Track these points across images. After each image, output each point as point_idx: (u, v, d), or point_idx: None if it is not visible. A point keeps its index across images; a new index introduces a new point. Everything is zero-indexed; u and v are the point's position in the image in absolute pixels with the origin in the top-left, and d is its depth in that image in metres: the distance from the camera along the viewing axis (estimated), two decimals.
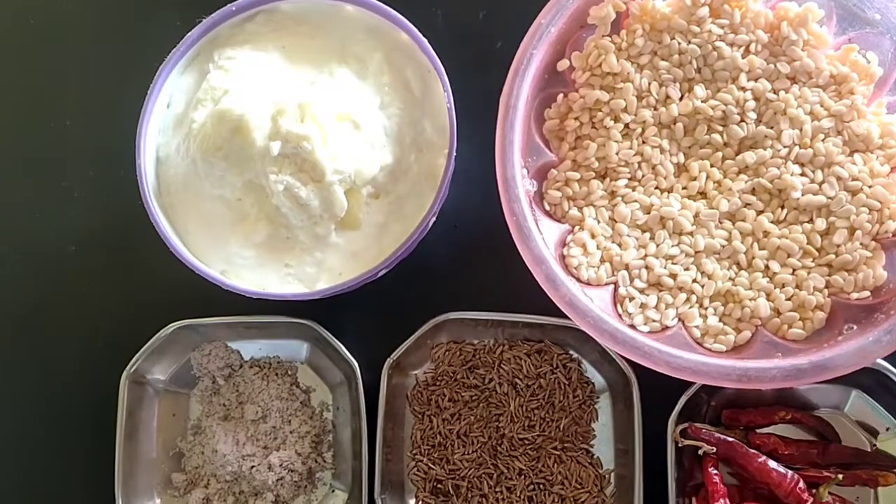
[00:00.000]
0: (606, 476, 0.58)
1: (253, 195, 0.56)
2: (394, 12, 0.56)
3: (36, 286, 0.67)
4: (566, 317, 0.50)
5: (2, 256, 0.68)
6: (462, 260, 0.63)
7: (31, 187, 0.69)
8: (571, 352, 0.60)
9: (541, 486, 0.58)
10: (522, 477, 0.59)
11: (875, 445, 0.57)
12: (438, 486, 0.59)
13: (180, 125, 0.58)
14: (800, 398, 0.57)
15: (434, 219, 0.55)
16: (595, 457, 0.59)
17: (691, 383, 0.55)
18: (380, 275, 0.55)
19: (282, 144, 0.53)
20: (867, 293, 0.51)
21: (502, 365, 0.60)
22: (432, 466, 0.59)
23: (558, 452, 0.59)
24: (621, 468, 0.58)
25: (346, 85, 0.56)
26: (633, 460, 0.55)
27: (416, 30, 0.56)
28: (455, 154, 0.55)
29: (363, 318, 0.63)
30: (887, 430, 0.56)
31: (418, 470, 0.60)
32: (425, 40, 0.56)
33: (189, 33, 0.58)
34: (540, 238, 0.51)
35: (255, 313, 0.60)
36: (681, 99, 0.55)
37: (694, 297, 0.53)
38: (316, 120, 0.53)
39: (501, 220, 0.51)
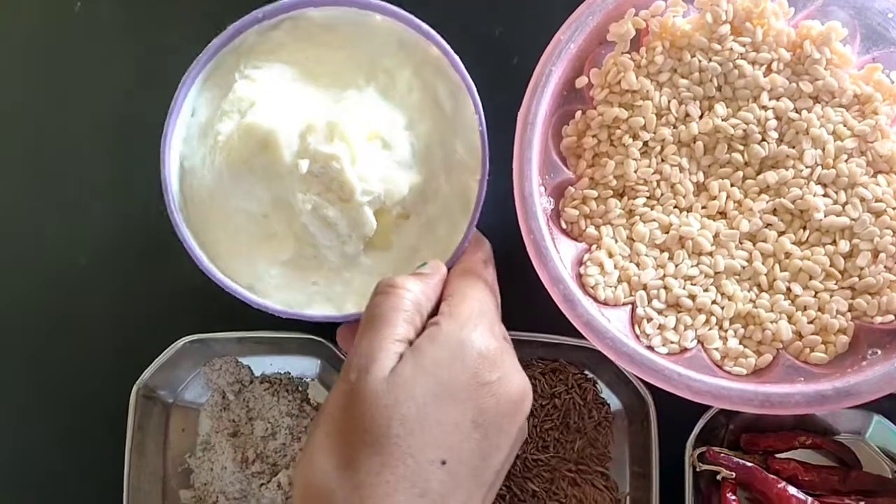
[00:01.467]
0: (622, 500, 0.57)
1: (280, 212, 0.55)
2: (425, 25, 0.55)
3: (46, 298, 0.67)
4: (582, 336, 0.49)
5: (13, 267, 0.67)
6: None
7: (45, 197, 0.68)
8: (587, 372, 0.59)
9: None
10: (536, 499, 0.58)
11: None
12: None
13: (205, 136, 0.57)
14: (820, 423, 0.56)
15: (467, 244, 0.54)
16: (611, 479, 0.58)
17: (710, 406, 0.54)
18: None
19: (310, 163, 0.52)
20: (891, 317, 0.50)
21: None
22: None
23: (573, 474, 0.58)
24: (636, 491, 0.57)
25: (374, 102, 0.55)
26: (651, 484, 0.54)
27: (446, 44, 0.55)
28: (488, 177, 0.54)
29: None
30: None
31: None
32: (456, 56, 0.54)
33: (213, 41, 0.56)
34: (557, 257, 0.50)
35: (268, 329, 0.59)
36: (701, 117, 0.55)
37: (714, 319, 0.52)
38: (345, 139, 0.52)
39: (518, 238, 0.51)
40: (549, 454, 0.58)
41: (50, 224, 0.68)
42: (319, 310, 0.54)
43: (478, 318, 0.44)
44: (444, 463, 0.39)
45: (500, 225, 0.56)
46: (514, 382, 0.43)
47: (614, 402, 0.59)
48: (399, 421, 0.39)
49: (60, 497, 0.64)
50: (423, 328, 0.44)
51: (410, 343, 0.43)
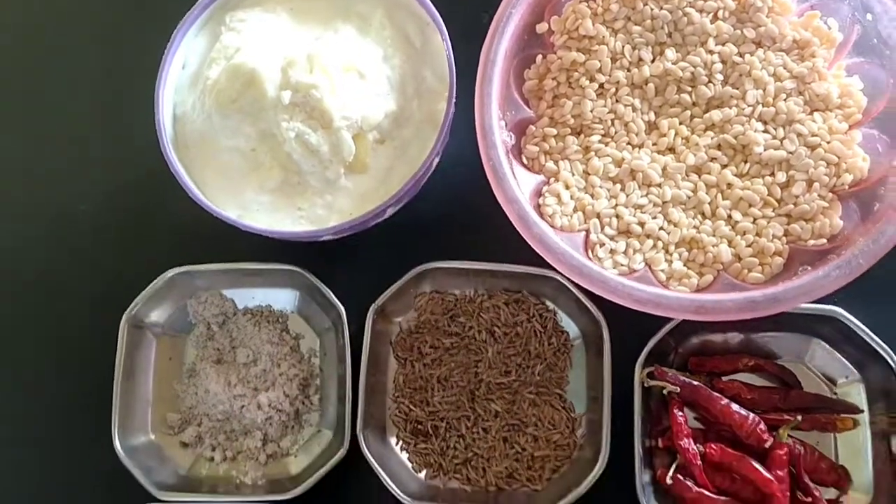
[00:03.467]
0: (578, 419, 0.61)
1: (266, 144, 0.59)
2: None
3: (47, 238, 0.71)
4: (543, 266, 0.53)
5: (13, 212, 0.72)
6: (448, 217, 0.66)
7: (44, 147, 0.73)
8: (547, 302, 0.63)
9: (515, 426, 0.61)
10: (498, 419, 0.61)
11: (836, 393, 0.59)
12: (418, 426, 0.62)
13: (195, 84, 0.62)
14: (763, 348, 0.60)
15: (437, 159, 0.58)
16: (568, 402, 0.62)
17: (659, 329, 0.58)
18: (387, 214, 0.58)
19: (292, 94, 0.56)
20: (823, 240, 0.54)
21: (481, 314, 0.63)
22: (413, 408, 0.62)
23: (533, 396, 0.61)
24: (592, 413, 0.61)
25: (350, 39, 0.60)
26: (602, 402, 0.58)
27: None
28: (455, 98, 0.58)
29: (353, 269, 0.66)
30: (846, 378, 0.59)
31: (399, 411, 0.63)
32: None
33: None
34: (514, 182, 0.54)
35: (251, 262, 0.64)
36: (652, 61, 0.59)
37: (660, 244, 0.56)
38: (324, 70, 0.57)
39: (485, 177, 0.55)
40: (512, 378, 0.62)
41: (51, 165, 0.72)
42: (303, 230, 0.58)
43: None
44: None
45: (468, 170, 0.60)
46: None
47: (573, 331, 0.63)
48: None
49: (53, 420, 0.67)
50: None
51: None
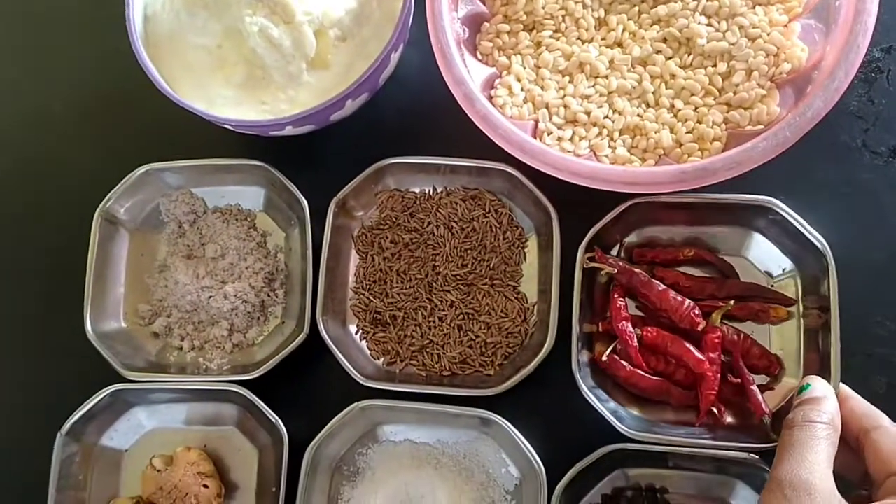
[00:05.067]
0: (530, 308, 0.63)
1: (231, 40, 0.62)
2: None
3: (24, 139, 0.74)
4: (498, 160, 0.55)
5: None
6: (408, 119, 0.69)
7: (16, 49, 0.76)
8: (503, 198, 0.65)
9: (469, 315, 0.64)
10: (454, 308, 0.64)
11: (772, 286, 0.61)
12: (377, 316, 0.65)
13: None
14: (704, 244, 0.62)
15: (396, 54, 0.61)
16: (521, 293, 0.64)
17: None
18: (346, 106, 0.60)
19: None
20: (761, 126, 0.56)
21: (440, 210, 0.66)
22: (372, 299, 0.65)
23: (487, 287, 0.64)
24: (542, 303, 0.63)
25: None
26: (551, 291, 0.60)
27: None
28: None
29: (316, 168, 0.69)
30: (783, 270, 0.61)
31: (360, 302, 0.65)
32: None
33: None
34: (464, 68, 0.57)
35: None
36: None
37: (605, 131, 0.58)
38: None
39: (444, 82, 0.57)
40: (468, 270, 0.64)
41: (25, 66, 0.75)
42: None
43: None
44: None
45: (431, 74, 0.62)
46: None
47: (528, 226, 0.65)
48: None
49: (28, 305, 0.70)
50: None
51: None
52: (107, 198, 0.66)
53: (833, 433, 0.48)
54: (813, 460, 0.46)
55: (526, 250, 0.65)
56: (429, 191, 0.67)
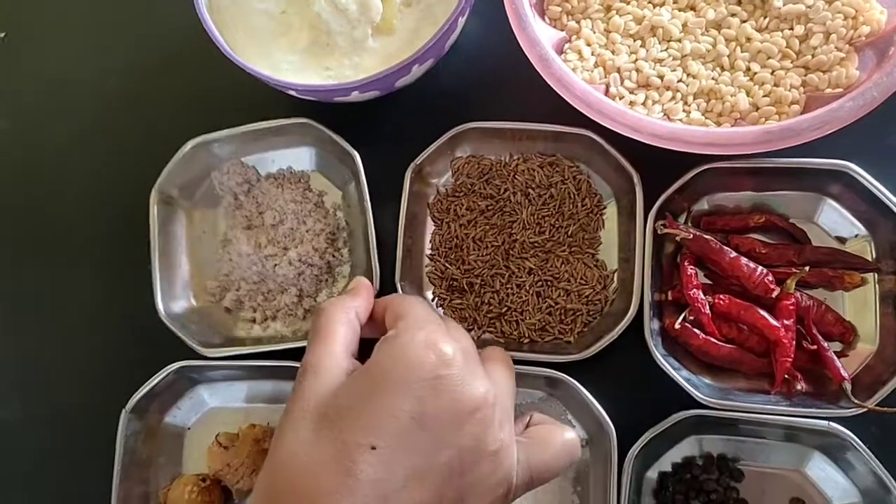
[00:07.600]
0: (610, 275, 0.63)
1: (295, 5, 0.63)
2: None
3: (75, 116, 0.75)
4: (576, 125, 0.54)
5: (41, 89, 0.75)
6: (479, 86, 0.68)
7: (74, 27, 0.76)
8: (581, 165, 0.65)
9: (548, 282, 0.63)
10: (531, 275, 0.64)
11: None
12: (454, 283, 0.65)
13: None
14: (773, 210, 0.61)
15: (463, 18, 0.60)
16: (600, 260, 0.63)
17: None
18: (412, 72, 0.60)
19: None
20: (840, 89, 0.55)
21: (517, 176, 0.65)
22: (449, 266, 0.65)
23: (566, 255, 0.63)
24: (623, 272, 0.62)
25: None
26: (633, 259, 0.59)
27: None
28: None
29: (386, 136, 0.68)
30: (855, 236, 0.60)
31: (436, 269, 0.65)
32: None
33: None
34: (536, 26, 0.56)
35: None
36: None
37: (679, 95, 0.58)
38: None
39: (513, 45, 0.56)
40: (545, 237, 0.64)
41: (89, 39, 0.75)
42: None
43: (423, 322, 0.44)
44: (374, 448, 0.39)
45: (498, 39, 0.61)
46: (468, 386, 0.42)
47: (606, 192, 0.64)
48: (334, 408, 0.41)
49: (97, 294, 0.71)
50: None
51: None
52: (161, 176, 0.66)
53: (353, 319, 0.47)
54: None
55: (604, 218, 0.64)
56: (504, 158, 0.66)
